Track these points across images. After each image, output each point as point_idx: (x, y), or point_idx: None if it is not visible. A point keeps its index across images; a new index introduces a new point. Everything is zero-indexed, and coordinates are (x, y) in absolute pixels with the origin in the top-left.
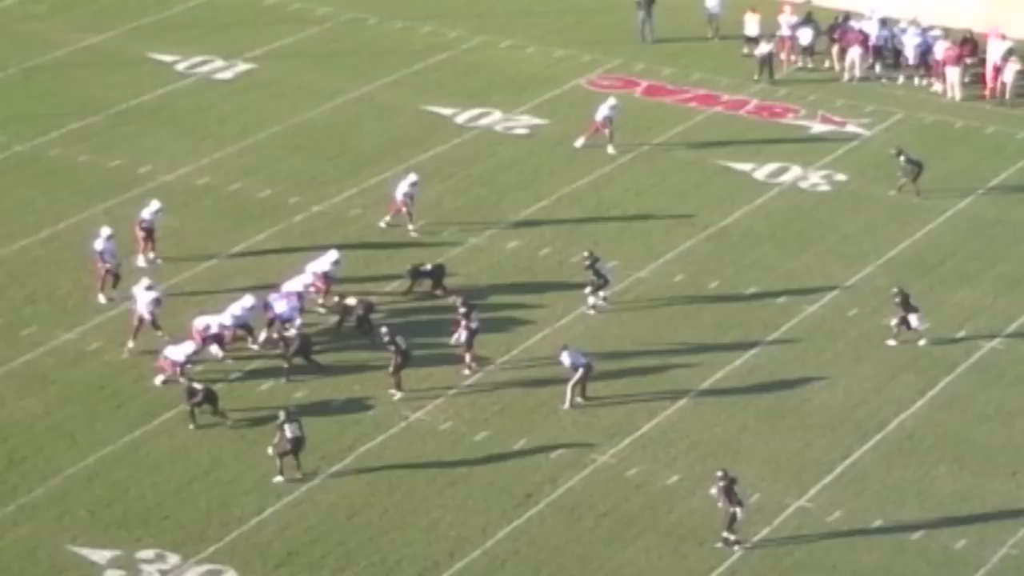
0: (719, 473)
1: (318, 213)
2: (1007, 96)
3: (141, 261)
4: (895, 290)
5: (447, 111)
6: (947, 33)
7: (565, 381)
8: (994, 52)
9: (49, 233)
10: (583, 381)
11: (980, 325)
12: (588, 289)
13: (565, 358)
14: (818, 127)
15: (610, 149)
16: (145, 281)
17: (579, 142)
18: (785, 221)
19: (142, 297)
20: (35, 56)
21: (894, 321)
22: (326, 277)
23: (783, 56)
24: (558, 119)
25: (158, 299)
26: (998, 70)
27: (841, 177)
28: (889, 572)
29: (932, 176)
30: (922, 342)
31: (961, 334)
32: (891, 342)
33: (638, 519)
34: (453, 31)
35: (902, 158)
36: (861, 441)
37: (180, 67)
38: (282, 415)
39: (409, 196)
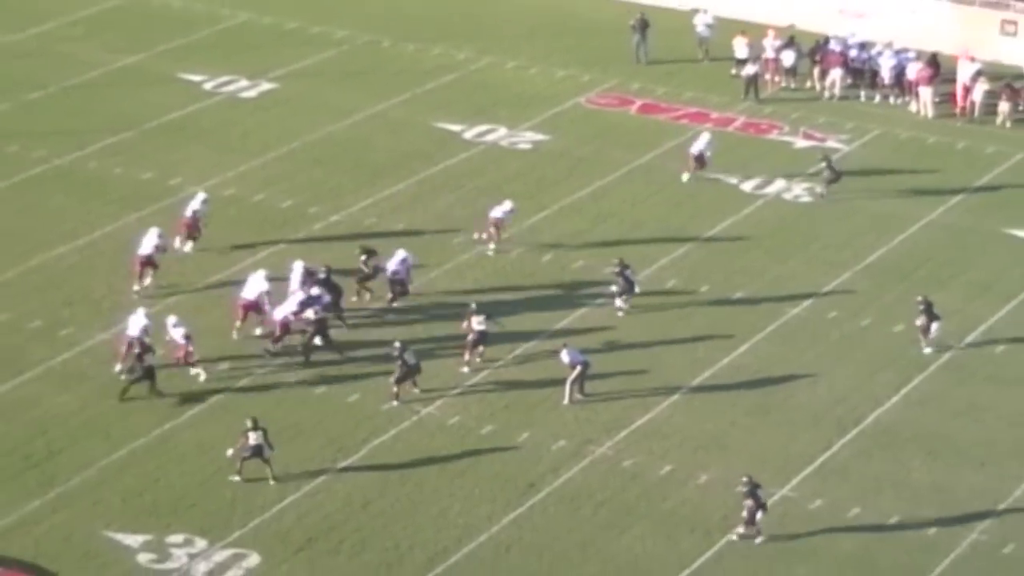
0: (744, 479)
1: (336, 222)
2: (976, 114)
3: (178, 244)
4: (919, 298)
5: (456, 127)
6: (920, 55)
7: (565, 378)
8: (964, 73)
9: (85, 241)
10: (581, 378)
11: (952, 327)
12: (615, 288)
13: (564, 356)
14: (801, 143)
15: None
16: (142, 311)
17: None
18: (770, 230)
19: (135, 323)
20: (72, 76)
21: (919, 322)
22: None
23: (768, 77)
24: (559, 135)
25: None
26: (968, 90)
27: (819, 190)
28: (867, 557)
29: (907, 188)
30: (927, 350)
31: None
32: (927, 350)
33: (634, 507)
34: (461, 53)
35: (824, 163)
36: (841, 435)
37: (207, 86)
38: (249, 423)
39: (501, 220)
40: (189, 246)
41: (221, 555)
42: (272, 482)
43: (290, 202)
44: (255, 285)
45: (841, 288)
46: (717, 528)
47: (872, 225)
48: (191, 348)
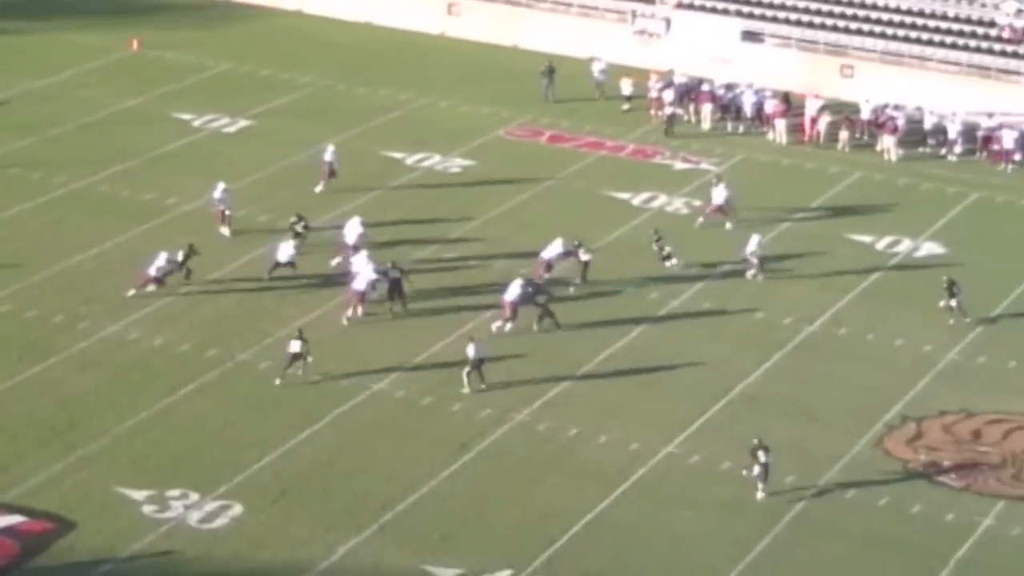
0: (754, 441)
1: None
2: (821, 141)
3: (319, 188)
4: (944, 279)
5: (399, 155)
6: (775, 93)
7: (481, 360)
8: (811, 108)
9: (98, 250)
10: (478, 368)
11: (803, 313)
12: (664, 254)
13: (470, 350)
14: (679, 165)
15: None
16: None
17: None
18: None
19: (352, 229)
20: (87, 115)
21: (943, 303)
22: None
23: (652, 112)
24: (483, 161)
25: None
26: (814, 121)
27: (697, 203)
28: (737, 501)
29: (766, 201)
30: (952, 321)
31: (789, 320)
32: (951, 322)
33: (547, 463)
34: (404, 94)
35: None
36: (714, 402)
37: (196, 123)
38: (297, 332)
39: (756, 256)
40: (320, 187)
41: (211, 506)
42: (284, 377)
43: (266, 217)
44: (354, 229)
45: (713, 283)
46: (614, 479)
47: (738, 231)
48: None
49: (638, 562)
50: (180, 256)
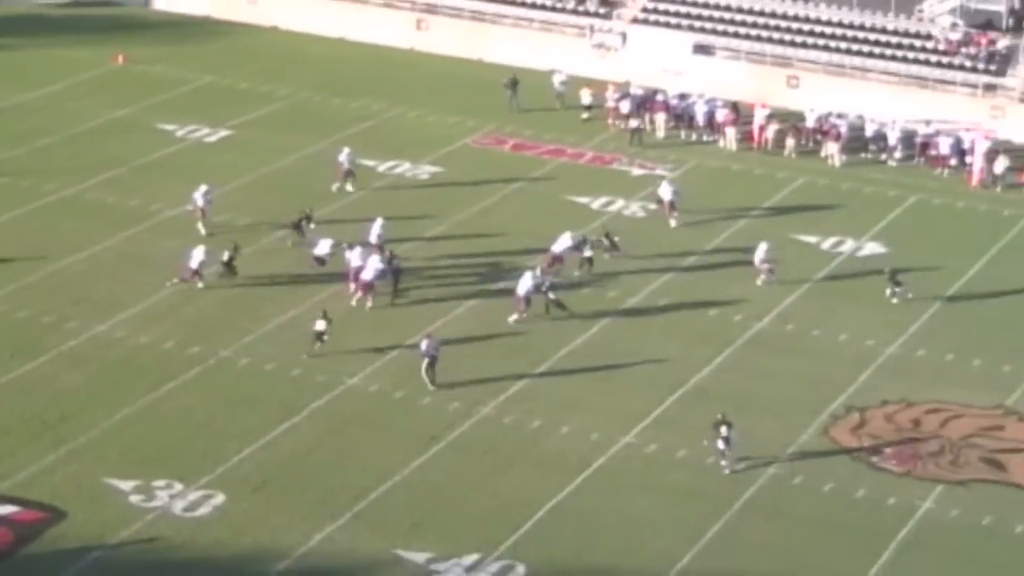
0: (718, 416)
1: (282, 237)
2: (769, 148)
3: (336, 187)
4: (886, 269)
5: (372, 162)
6: (725, 103)
7: (431, 361)
8: (759, 116)
9: (88, 253)
10: (432, 367)
11: (752, 310)
12: (607, 246)
13: (423, 345)
14: (636, 171)
15: (672, 223)
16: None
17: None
18: None
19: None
20: (76, 126)
21: (888, 291)
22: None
23: (609, 121)
24: (451, 167)
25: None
26: (762, 129)
27: (652, 207)
28: (691, 487)
29: (717, 205)
30: (894, 300)
31: (739, 317)
32: (894, 300)
33: (512, 454)
34: (376, 105)
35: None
36: (670, 394)
37: (179, 133)
38: (320, 313)
39: (767, 262)
40: (336, 186)
41: (195, 495)
42: (305, 355)
43: (247, 220)
44: (375, 229)
45: (668, 282)
46: (576, 468)
47: (691, 233)
48: (190, 273)
49: (599, 546)
50: (226, 256)
